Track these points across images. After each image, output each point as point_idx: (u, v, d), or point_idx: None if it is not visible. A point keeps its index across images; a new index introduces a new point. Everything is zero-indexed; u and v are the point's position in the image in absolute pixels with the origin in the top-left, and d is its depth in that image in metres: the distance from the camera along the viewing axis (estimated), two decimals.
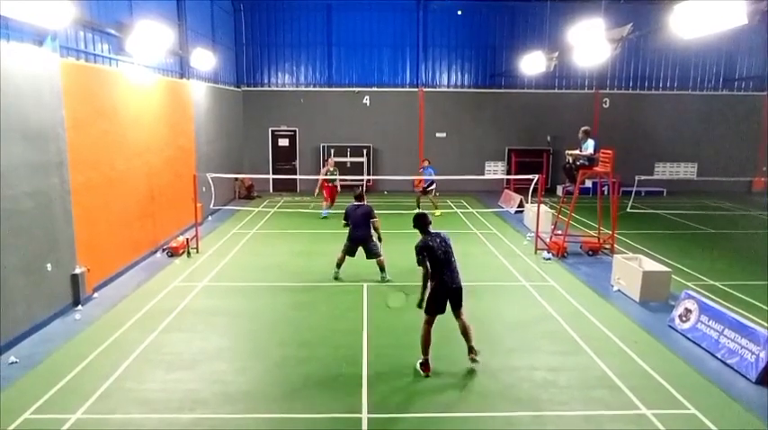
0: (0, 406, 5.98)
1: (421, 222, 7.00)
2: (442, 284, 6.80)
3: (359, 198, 10.62)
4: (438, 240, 6.88)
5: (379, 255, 10.36)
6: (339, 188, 16.78)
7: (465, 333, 6.99)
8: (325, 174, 16.51)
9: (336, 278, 10.44)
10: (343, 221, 10.49)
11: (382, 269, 10.36)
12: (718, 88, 22.59)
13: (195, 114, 15.64)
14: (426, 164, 17.52)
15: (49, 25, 7.98)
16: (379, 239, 10.43)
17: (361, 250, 10.44)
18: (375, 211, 10.55)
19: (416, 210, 7.48)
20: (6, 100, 7.33)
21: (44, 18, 7.53)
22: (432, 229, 7.02)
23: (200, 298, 9.60)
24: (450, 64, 22.23)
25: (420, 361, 6.91)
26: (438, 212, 16.64)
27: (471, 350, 7.00)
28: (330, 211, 16.13)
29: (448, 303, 6.92)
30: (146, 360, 7.17)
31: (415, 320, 8.43)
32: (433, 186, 17.36)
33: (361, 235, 10.29)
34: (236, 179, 19.68)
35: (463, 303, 6.98)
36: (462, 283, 6.95)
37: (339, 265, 10.51)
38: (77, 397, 6.19)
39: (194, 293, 9.79)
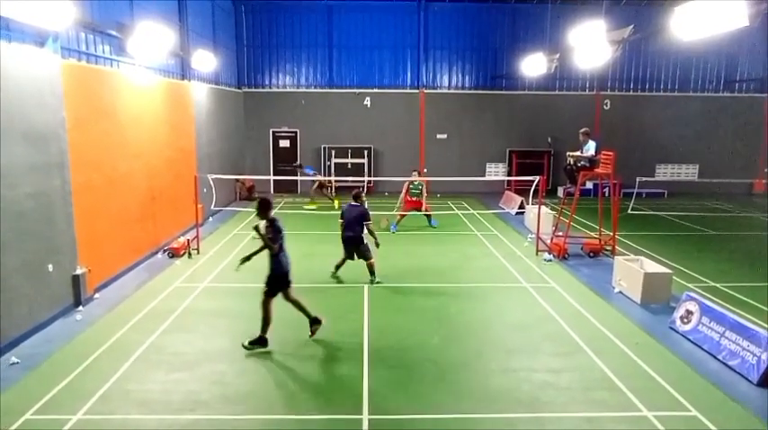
0: (1, 406, 5.98)
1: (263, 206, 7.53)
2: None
3: (356, 198, 10.56)
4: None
5: (369, 258, 10.32)
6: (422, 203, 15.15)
7: (300, 307, 7.73)
8: (409, 187, 15.00)
9: (333, 277, 10.51)
10: (340, 220, 10.51)
11: (372, 272, 10.33)
12: (719, 90, 22.59)
13: (196, 115, 15.65)
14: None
15: (51, 26, 7.99)
16: (377, 244, 10.39)
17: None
18: (370, 214, 10.54)
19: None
20: (8, 101, 7.35)
21: (45, 19, 7.54)
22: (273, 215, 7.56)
23: (200, 299, 9.60)
24: (450, 65, 22.24)
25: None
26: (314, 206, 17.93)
27: (313, 321, 7.79)
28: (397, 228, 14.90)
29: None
30: (146, 361, 7.17)
31: (416, 322, 8.45)
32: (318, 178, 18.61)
33: (351, 235, 10.26)
34: (237, 180, 19.68)
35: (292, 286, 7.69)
36: (286, 272, 7.58)
37: (338, 267, 10.57)
38: (78, 397, 6.19)
39: (195, 294, 9.79)
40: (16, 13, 7.06)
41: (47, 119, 8.25)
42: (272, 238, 7.37)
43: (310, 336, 7.79)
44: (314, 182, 18.93)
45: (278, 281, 7.53)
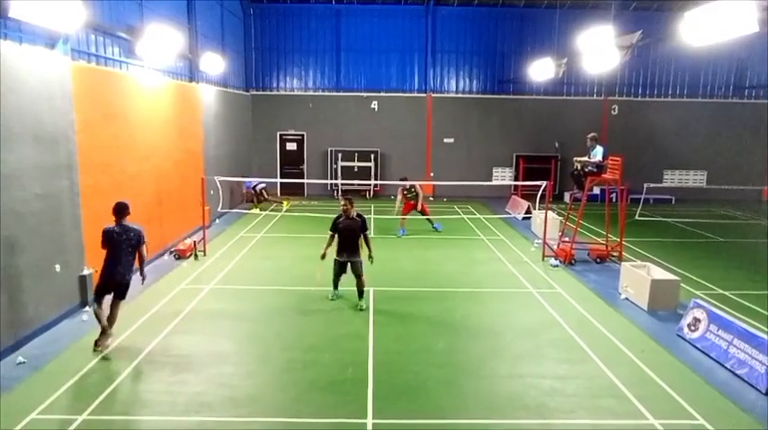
0: (7, 406, 6.00)
1: (115, 210, 7.55)
2: (109, 272, 7.40)
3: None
4: (124, 233, 7.45)
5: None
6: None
7: (110, 319, 7.51)
8: (404, 193, 15.22)
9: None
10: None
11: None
12: (728, 96, 22.47)
13: (204, 118, 15.71)
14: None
15: (61, 28, 8.05)
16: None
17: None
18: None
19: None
20: (19, 102, 7.41)
21: (56, 21, 7.61)
22: (128, 223, 7.56)
23: (206, 301, 9.61)
24: (458, 70, 22.24)
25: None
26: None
27: (104, 331, 7.40)
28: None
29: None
30: (152, 362, 7.18)
31: (422, 327, 8.43)
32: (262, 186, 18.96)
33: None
34: (261, 192, 19.65)
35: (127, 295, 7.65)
36: (128, 281, 7.54)
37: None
38: (84, 398, 6.21)
39: (201, 296, 9.81)
40: (28, 14, 7.13)
41: (56, 120, 8.30)
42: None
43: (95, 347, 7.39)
44: (255, 190, 19.12)
45: (107, 287, 7.46)
